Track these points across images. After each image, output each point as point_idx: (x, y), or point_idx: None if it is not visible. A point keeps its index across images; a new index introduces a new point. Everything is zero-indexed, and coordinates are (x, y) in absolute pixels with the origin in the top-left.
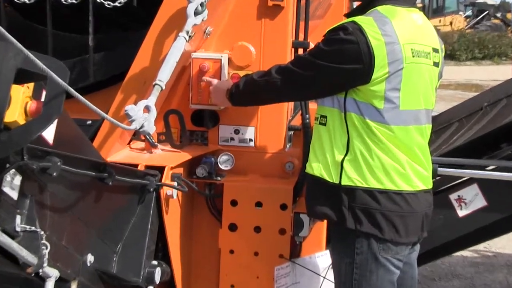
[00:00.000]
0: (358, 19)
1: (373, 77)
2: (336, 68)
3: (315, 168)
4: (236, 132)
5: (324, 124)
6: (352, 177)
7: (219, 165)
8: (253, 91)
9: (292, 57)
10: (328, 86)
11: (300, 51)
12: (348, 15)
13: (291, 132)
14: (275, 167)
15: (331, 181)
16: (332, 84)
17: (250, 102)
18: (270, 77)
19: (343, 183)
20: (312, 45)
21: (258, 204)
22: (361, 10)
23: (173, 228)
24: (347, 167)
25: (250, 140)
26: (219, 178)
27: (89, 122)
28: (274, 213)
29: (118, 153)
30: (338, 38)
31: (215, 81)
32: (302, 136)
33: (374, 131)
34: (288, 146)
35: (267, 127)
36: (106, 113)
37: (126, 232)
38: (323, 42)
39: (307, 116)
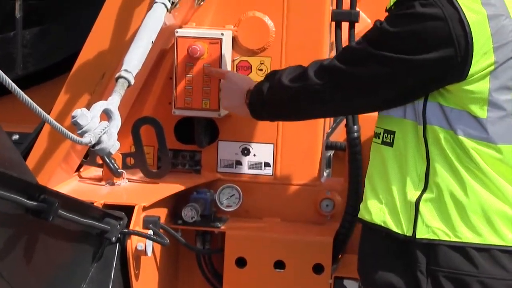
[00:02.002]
0: None
1: (471, 71)
2: (413, 61)
3: (375, 212)
4: (245, 152)
5: (391, 144)
6: (433, 226)
7: (219, 203)
8: (283, 103)
9: (332, 35)
10: (400, 92)
11: (345, 27)
12: None
13: (331, 153)
14: (305, 207)
15: (400, 232)
16: (406, 88)
17: (279, 117)
18: (307, 83)
19: (419, 235)
20: (363, 17)
21: (279, 265)
22: None
23: None
24: (425, 210)
25: (267, 165)
26: (218, 224)
27: (15, 137)
28: (304, 279)
29: (61, 185)
30: (412, 14)
31: (230, 74)
32: (347, 159)
33: (472, 154)
34: (325, 174)
35: (292, 145)
36: (43, 122)
37: None
38: (388, 21)
39: (356, 127)
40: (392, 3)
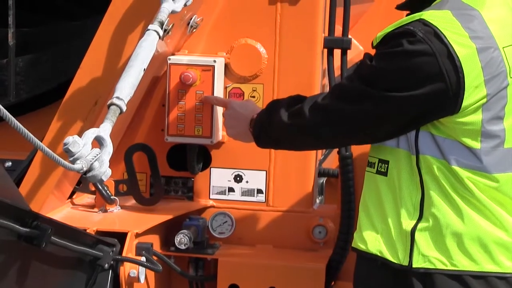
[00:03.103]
0: (429, 15)
1: (463, 104)
2: (405, 98)
3: (371, 241)
4: (238, 179)
5: (385, 174)
6: (429, 255)
7: (211, 230)
8: (281, 136)
9: (325, 62)
10: (393, 127)
11: (337, 53)
12: (405, 7)
13: (323, 180)
14: (298, 234)
15: (396, 261)
16: (399, 123)
17: (280, 147)
18: (302, 120)
19: (415, 264)
20: (355, 44)
21: None
22: None
23: None
24: (421, 239)
25: (259, 191)
26: (211, 251)
27: (8, 164)
28: None
29: (54, 212)
30: (401, 51)
31: (232, 103)
32: (340, 185)
33: (466, 183)
34: (318, 201)
35: (285, 172)
36: (35, 150)
37: None
38: (378, 58)
39: (348, 154)
40: (378, 39)
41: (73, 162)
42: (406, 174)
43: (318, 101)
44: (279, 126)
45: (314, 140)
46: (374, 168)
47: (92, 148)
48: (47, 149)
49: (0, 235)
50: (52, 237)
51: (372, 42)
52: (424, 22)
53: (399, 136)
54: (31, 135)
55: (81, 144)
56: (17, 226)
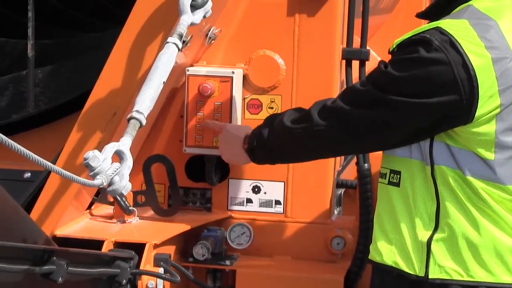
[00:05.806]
0: (446, 24)
1: (477, 114)
2: (418, 105)
3: (386, 252)
4: (256, 190)
5: (397, 184)
6: (445, 266)
7: (230, 241)
8: (285, 146)
9: (343, 73)
10: (405, 134)
11: (355, 65)
12: (424, 16)
13: (341, 191)
14: (316, 246)
15: (412, 272)
16: (411, 130)
17: (281, 160)
18: (310, 124)
19: (431, 275)
20: (373, 55)
21: None
22: (445, 6)
23: None
24: (437, 250)
25: (277, 203)
26: (229, 262)
27: (28, 175)
28: None
29: (73, 223)
30: (417, 58)
31: (227, 126)
32: (358, 197)
33: (481, 194)
34: (336, 212)
35: (303, 183)
36: (55, 161)
37: None
38: (392, 64)
39: (366, 166)
40: (394, 46)
41: (93, 176)
42: (420, 185)
43: (328, 104)
44: (282, 133)
45: (321, 145)
46: (385, 179)
47: (112, 163)
48: (59, 169)
49: (17, 276)
50: (70, 268)
51: (389, 48)
52: (440, 31)
53: (410, 145)
54: (39, 158)
55: (101, 159)
56: (33, 267)
